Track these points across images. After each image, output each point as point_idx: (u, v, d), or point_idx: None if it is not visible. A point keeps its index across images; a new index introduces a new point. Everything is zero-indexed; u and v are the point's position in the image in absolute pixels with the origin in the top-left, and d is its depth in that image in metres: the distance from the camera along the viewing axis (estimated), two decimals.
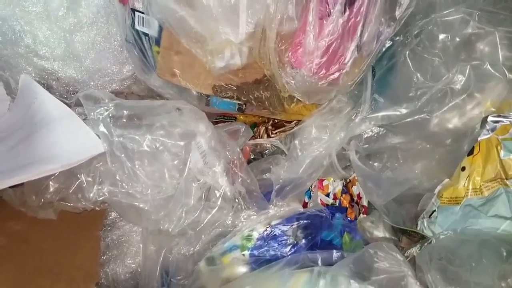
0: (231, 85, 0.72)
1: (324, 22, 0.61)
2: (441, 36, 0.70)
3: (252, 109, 0.76)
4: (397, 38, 0.71)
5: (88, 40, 0.80)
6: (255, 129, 0.87)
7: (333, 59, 0.65)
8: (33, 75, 0.80)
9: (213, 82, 0.72)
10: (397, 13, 0.65)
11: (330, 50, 0.63)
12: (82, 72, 0.82)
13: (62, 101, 0.73)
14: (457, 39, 0.68)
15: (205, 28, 0.64)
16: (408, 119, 0.71)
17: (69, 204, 0.66)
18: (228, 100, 0.75)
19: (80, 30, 0.79)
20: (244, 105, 0.76)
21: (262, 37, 0.64)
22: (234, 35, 0.63)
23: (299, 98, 0.69)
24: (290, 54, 0.65)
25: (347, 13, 0.61)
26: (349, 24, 0.62)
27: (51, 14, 0.77)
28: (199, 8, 0.62)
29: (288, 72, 0.67)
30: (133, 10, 0.69)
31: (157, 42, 0.70)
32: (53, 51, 0.79)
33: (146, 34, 0.71)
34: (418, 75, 0.71)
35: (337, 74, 0.67)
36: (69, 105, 0.72)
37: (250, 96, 0.74)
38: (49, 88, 0.79)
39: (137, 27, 0.69)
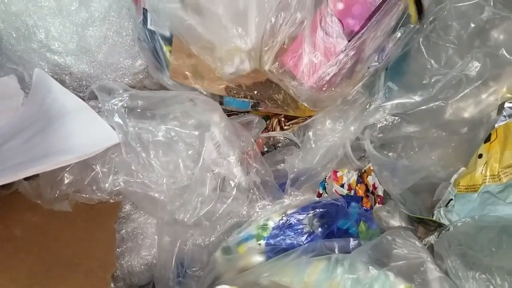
0: (243, 85, 0.72)
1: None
2: (455, 23, 0.69)
3: (266, 107, 0.76)
4: (411, 25, 0.70)
5: (101, 34, 0.80)
6: (267, 121, 0.87)
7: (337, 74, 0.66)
8: (46, 70, 0.81)
9: (226, 83, 0.71)
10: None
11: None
12: (94, 66, 0.82)
13: (75, 94, 0.73)
14: (472, 25, 0.67)
15: (213, 35, 0.64)
16: (423, 107, 0.71)
17: (84, 196, 0.66)
18: (242, 99, 0.74)
19: (92, 24, 0.80)
20: (258, 103, 0.75)
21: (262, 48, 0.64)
22: (243, 42, 0.63)
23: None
24: (290, 64, 0.65)
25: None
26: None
27: (64, 9, 0.78)
28: (207, 16, 0.62)
29: (291, 83, 0.67)
30: (145, 10, 0.69)
31: (169, 41, 0.70)
32: (66, 46, 0.79)
33: (158, 34, 0.70)
34: (432, 62, 0.70)
35: (340, 86, 0.68)
36: (82, 98, 0.72)
37: (263, 95, 0.74)
38: (62, 82, 0.79)
39: (149, 26, 0.68)
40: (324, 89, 0.67)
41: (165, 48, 0.72)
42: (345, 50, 0.63)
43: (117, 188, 0.63)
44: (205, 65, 0.69)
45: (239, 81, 0.71)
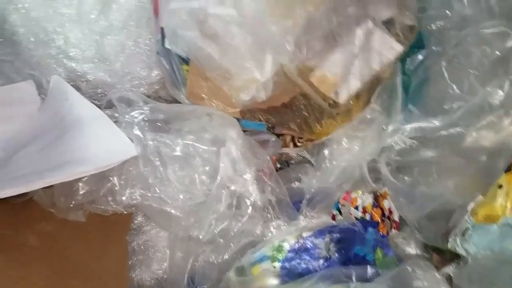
0: (258, 110, 0.72)
1: None
2: (479, 49, 0.68)
3: (281, 129, 0.77)
4: (435, 48, 0.69)
5: (119, 43, 0.81)
6: (280, 137, 0.86)
7: None
8: (63, 76, 0.81)
9: (241, 107, 0.72)
10: None
11: None
12: (111, 74, 0.82)
13: (92, 102, 0.73)
14: (496, 53, 0.67)
15: (230, 65, 0.64)
16: (443, 132, 0.70)
17: (99, 207, 0.66)
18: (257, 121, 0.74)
19: (111, 33, 0.80)
20: (273, 126, 0.75)
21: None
22: (260, 73, 0.63)
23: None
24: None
25: None
26: None
27: (83, 17, 0.78)
28: (224, 46, 0.62)
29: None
30: (163, 29, 0.69)
31: (186, 62, 0.70)
32: (84, 53, 0.80)
33: (175, 53, 0.70)
34: (454, 87, 0.69)
35: None
36: (99, 107, 0.72)
37: (278, 120, 0.74)
38: (78, 89, 0.79)
39: (166, 46, 0.68)
40: None
41: (182, 68, 0.72)
42: None
43: (134, 202, 0.62)
44: (221, 89, 0.69)
45: (254, 106, 0.71)
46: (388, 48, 0.65)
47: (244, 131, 0.75)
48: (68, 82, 0.78)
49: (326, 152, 0.77)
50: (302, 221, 0.67)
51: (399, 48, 0.65)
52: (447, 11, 0.70)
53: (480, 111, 0.68)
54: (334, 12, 0.59)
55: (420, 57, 0.69)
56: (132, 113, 0.64)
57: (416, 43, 0.71)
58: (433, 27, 0.71)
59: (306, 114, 0.74)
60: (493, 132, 0.69)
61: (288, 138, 0.86)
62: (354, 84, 0.65)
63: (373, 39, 0.63)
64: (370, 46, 0.63)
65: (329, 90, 0.65)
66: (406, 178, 0.74)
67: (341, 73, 0.63)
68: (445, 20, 0.71)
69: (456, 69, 0.69)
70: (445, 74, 0.70)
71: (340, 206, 0.79)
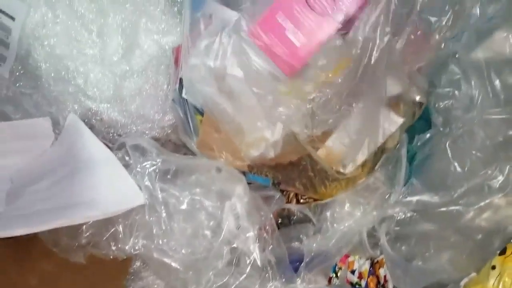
0: (265, 166, 0.75)
1: None
2: (483, 132, 0.71)
3: (287, 187, 0.79)
4: (441, 129, 0.72)
5: (136, 86, 0.83)
6: (284, 192, 0.88)
7: None
8: (78, 113, 0.82)
9: (249, 162, 0.74)
10: None
11: None
12: (125, 116, 0.84)
13: (105, 143, 0.74)
14: (499, 138, 0.69)
15: (244, 122, 0.67)
16: (443, 208, 0.72)
17: (101, 251, 0.67)
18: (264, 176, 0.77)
19: (131, 76, 0.82)
20: (279, 183, 0.77)
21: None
22: (271, 133, 0.66)
23: None
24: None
25: None
26: None
27: (106, 59, 0.80)
28: (240, 104, 0.65)
29: None
30: (182, 79, 0.72)
31: (201, 112, 0.72)
32: (102, 93, 0.82)
33: (191, 103, 0.73)
34: (457, 165, 0.72)
35: None
36: (110, 149, 0.73)
37: (284, 178, 0.76)
38: (91, 127, 0.81)
39: (183, 96, 0.71)
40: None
41: (196, 117, 0.74)
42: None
43: (136, 251, 0.63)
44: (232, 143, 0.71)
45: (262, 162, 0.73)
46: (390, 122, 0.67)
47: (249, 183, 0.77)
48: (83, 120, 0.80)
49: (328, 214, 0.79)
50: (299, 285, 0.68)
51: (400, 121, 0.67)
52: (455, 92, 0.73)
53: (480, 191, 0.70)
54: (345, 87, 0.61)
55: (427, 135, 0.71)
56: (145, 164, 0.65)
57: (424, 120, 0.73)
58: (441, 105, 0.74)
59: (312, 174, 0.76)
60: (491, 213, 0.71)
61: (292, 194, 0.88)
62: (360, 157, 0.67)
63: (378, 115, 0.65)
64: (375, 120, 0.65)
65: (336, 163, 0.67)
66: (403, 248, 0.76)
67: (348, 147, 0.65)
68: (453, 100, 0.73)
69: (460, 149, 0.72)
70: (449, 152, 0.72)
71: (337, 269, 0.80)
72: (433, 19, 0.61)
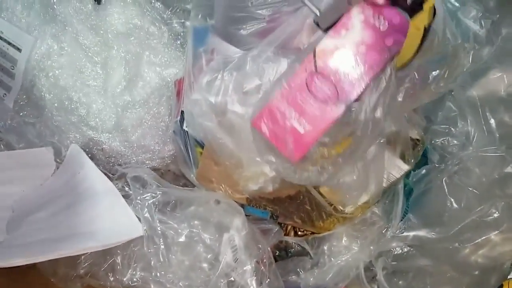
0: (264, 200, 0.75)
1: None
2: (478, 169, 0.72)
3: (285, 220, 0.79)
4: (437, 165, 0.73)
5: (138, 117, 0.84)
6: (282, 224, 0.89)
7: None
8: (80, 142, 0.83)
9: (247, 195, 0.74)
10: None
11: None
12: (126, 146, 0.85)
13: (105, 173, 0.75)
14: (495, 175, 0.71)
15: (243, 156, 0.67)
16: (439, 245, 0.72)
17: (99, 282, 0.67)
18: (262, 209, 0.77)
19: (133, 107, 0.83)
20: (277, 216, 0.78)
21: None
22: (270, 170, 0.66)
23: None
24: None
25: None
26: None
27: (109, 90, 0.82)
28: (240, 139, 0.65)
29: None
30: (183, 112, 0.73)
31: (201, 145, 0.73)
32: (104, 123, 0.83)
33: (191, 136, 0.74)
34: (453, 201, 0.73)
35: None
36: (111, 179, 0.74)
37: (282, 210, 0.77)
38: (92, 156, 0.82)
39: (185, 127, 0.72)
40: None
41: (196, 149, 0.75)
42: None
43: (134, 283, 0.64)
44: (231, 176, 0.71)
45: (260, 196, 0.74)
46: (396, 168, 0.68)
47: (247, 215, 0.78)
48: (84, 149, 0.80)
49: (325, 247, 0.79)
50: None
51: (405, 168, 0.68)
52: (451, 128, 0.75)
53: (476, 228, 0.71)
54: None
55: (423, 171, 0.72)
56: (145, 195, 0.66)
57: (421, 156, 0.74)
58: (438, 142, 0.75)
59: (310, 208, 0.77)
60: (487, 250, 0.72)
61: (290, 226, 0.88)
62: (362, 199, 0.68)
63: (383, 160, 0.66)
64: (380, 165, 0.66)
65: (338, 201, 0.68)
66: (400, 283, 0.76)
67: (350, 190, 0.66)
68: (449, 136, 0.75)
69: (456, 185, 0.73)
70: (445, 188, 0.73)
71: None
72: (430, 72, 0.63)
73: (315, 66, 0.50)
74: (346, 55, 0.49)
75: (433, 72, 0.62)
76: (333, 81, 0.49)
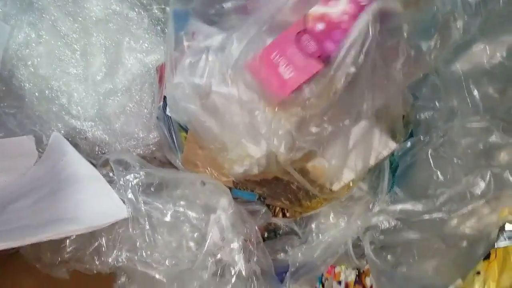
0: (250, 182, 0.75)
1: None
2: (463, 141, 0.72)
3: (272, 201, 0.79)
4: (422, 138, 0.73)
5: (120, 104, 0.83)
6: (270, 206, 0.88)
7: None
8: (63, 132, 0.82)
9: (234, 178, 0.74)
10: None
11: None
12: (110, 134, 0.84)
13: (89, 161, 0.74)
14: (480, 146, 0.71)
15: (228, 139, 0.67)
16: (426, 217, 0.72)
17: (84, 266, 0.66)
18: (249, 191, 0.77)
19: (114, 95, 0.82)
20: (264, 198, 0.78)
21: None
22: (255, 151, 0.66)
23: None
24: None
25: None
26: None
27: (90, 78, 0.81)
28: (224, 121, 0.65)
29: None
30: (166, 97, 0.72)
31: (185, 129, 0.72)
32: (86, 112, 0.82)
33: (175, 121, 0.73)
34: (439, 174, 0.73)
35: None
36: (94, 165, 0.73)
37: (269, 192, 0.76)
38: (75, 146, 0.81)
39: (167, 113, 0.71)
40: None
41: (181, 134, 0.74)
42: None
43: (120, 264, 0.63)
44: (216, 158, 0.71)
45: (246, 178, 0.73)
46: (384, 146, 0.68)
47: (235, 198, 0.77)
48: (67, 138, 0.80)
49: (313, 225, 0.79)
50: None
51: (393, 146, 0.68)
52: (436, 103, 0.75)
53: (462, 199, 0.71)
54: (333, 108, 0.62)
55: (408, 144, 0.72)
56: (127, 177, 0.65)
57: None
58: (422, 116, 0.75)
59: (296, 189, 0.77)
60: (474, 220, 0.72)
61: (278, 208, 0.88)
62: (349, 176, 0.68)
63: (371, 137, 0.66)
64: (368, 143, 0.66)
65: (324, 179, 0.68)
66: (389, 257, 0.76)
67: (337, 165, 0.65)
68: (433, 111, 0.75)
69: (441, 158, 0.73)
70: (431, 161, 0.73)
71: (323, 279, 0.80)
72: (422, 43, 0.63)
73: (305, 26, 0.56)
74: (331, 21, 0.56)
75: (425, 43, 0.62)
76: (318, 40, 0.55)
